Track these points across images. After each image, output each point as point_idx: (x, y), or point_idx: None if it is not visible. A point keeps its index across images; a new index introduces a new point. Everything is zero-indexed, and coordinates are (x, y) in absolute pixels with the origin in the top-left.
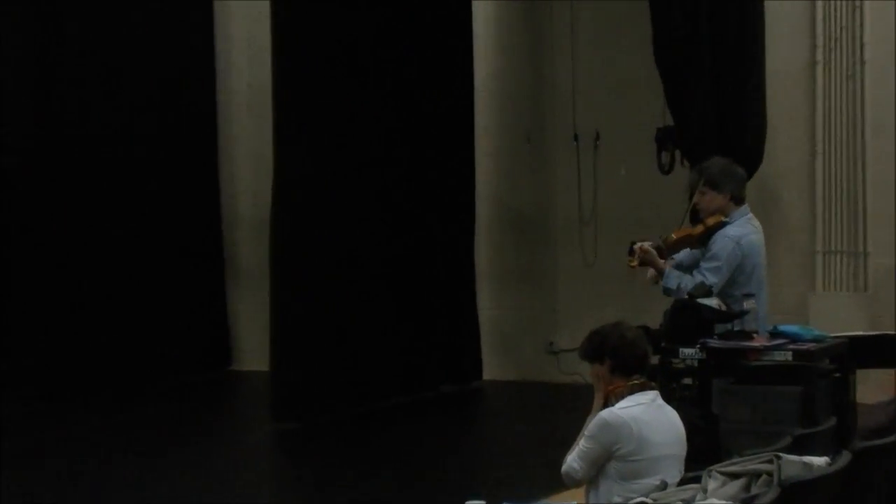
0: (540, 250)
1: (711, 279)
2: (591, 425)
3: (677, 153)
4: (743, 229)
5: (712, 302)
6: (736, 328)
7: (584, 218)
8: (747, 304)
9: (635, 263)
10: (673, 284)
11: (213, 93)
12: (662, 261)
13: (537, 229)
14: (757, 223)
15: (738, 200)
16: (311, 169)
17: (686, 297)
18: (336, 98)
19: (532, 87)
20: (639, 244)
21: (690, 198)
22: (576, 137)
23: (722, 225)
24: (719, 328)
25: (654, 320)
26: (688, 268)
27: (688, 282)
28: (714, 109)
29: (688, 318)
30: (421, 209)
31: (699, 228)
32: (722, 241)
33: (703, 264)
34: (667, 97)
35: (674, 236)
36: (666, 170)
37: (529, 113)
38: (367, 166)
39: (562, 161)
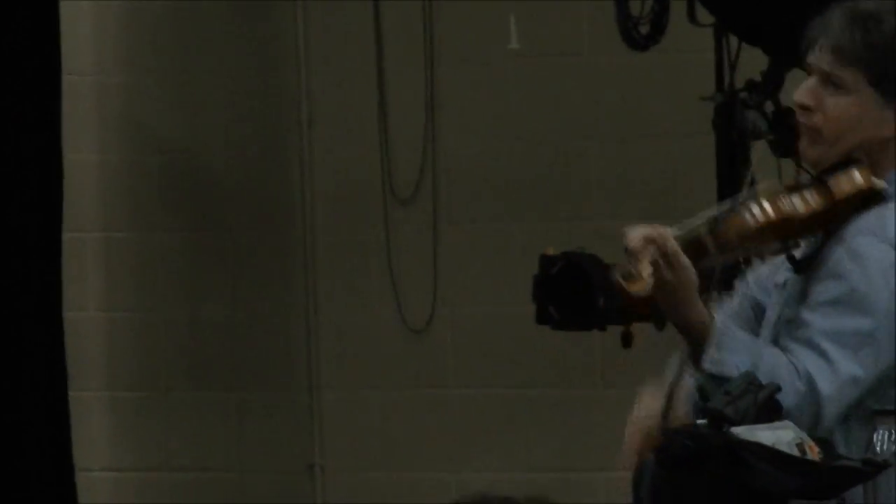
0: (272, 277)
1: (848, 366)
2: None
3: None
4: None
5: (782, 437)
6: None
7: (396, 183)
8: None
9: (643, 285)
10: (737, 360)
11: None
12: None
13: (253, 213)
14: None
15: None
16: None
17: (705, 420)
18: None
19: None
20: (637, 234)
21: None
22: None
23: (865, 200)
24: None
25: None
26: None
27: (774, 363)
28: None
29: (709, 489)
30: None
31: (817, 199)
32: (878, 257)
33: (819, 318)
34: None
35: (771, 208)
36: (641, 35)
37: None
38: None
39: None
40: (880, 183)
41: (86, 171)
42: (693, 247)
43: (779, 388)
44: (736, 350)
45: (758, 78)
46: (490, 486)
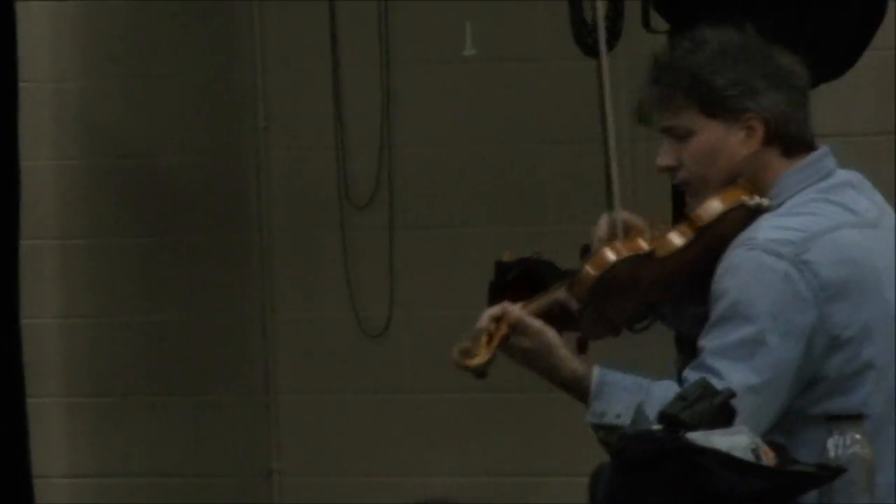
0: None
1: (740, 377)
2: None
3: None
4: (814, 220)
5: (738, 442)
6: None
7: (352, 188)
8: (854, 447)
9: (481, 359)
10: (618, 409)
11: None
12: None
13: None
14: (869, 196)
15: (797, 144)
16: None
17: (661, 425)
18: None
19: None
20: (484, 315)
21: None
22: None
23: (750, 216)
24: None
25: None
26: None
27: (665, 396)
28: None
29: (666, 493)
30: None
31: (678, 236)
32: (750, 266)
33: (708, 340)
34: None
35: (609, 254)
36: (591, 41)
37: None
38: None
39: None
40: (759, 200)
41: (43, 178)
42: (556, 308)
43: (734, 394)
44: (616, 397)
45: None
46: (449, 491)
